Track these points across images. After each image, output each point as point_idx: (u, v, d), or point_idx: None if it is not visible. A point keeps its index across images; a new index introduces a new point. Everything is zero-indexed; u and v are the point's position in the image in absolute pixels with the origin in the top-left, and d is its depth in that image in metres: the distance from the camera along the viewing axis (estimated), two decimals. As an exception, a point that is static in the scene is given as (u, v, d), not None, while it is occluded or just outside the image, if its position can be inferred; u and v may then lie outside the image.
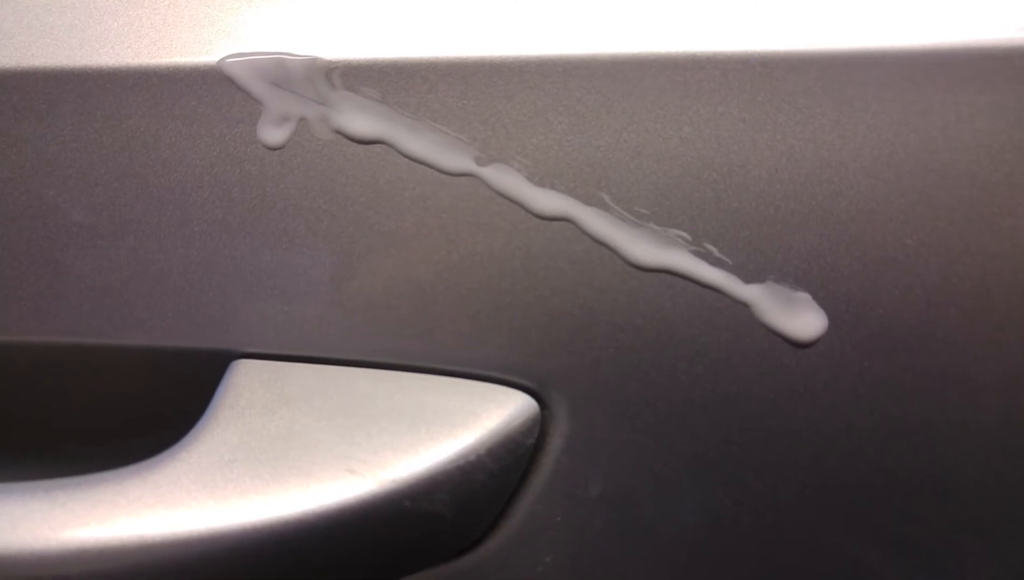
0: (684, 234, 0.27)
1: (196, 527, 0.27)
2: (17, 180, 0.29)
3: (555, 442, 0.29)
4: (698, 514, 0.30)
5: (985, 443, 0.29)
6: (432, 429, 0.28)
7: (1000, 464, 0.29)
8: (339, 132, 0.28)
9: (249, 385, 0.29)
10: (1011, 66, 0.26)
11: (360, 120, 0.27)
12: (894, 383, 0.28)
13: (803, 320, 0.27)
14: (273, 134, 0.28)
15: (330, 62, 0.27)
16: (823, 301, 0.27)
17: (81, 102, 0.28)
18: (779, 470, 0.29)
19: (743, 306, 0.28)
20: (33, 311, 0.30)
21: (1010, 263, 0.27)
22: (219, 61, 0.28)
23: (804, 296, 0.27)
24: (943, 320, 0.27)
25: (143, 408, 0.32)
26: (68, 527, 0.27)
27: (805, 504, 0.29)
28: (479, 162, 0.27)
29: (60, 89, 0.28)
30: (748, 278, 0.27)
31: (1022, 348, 0.28)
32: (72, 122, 0.28)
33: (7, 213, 0.29)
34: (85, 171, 0.28)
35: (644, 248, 0.27)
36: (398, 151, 0.27)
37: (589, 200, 0.27)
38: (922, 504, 0.29)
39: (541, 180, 0.27)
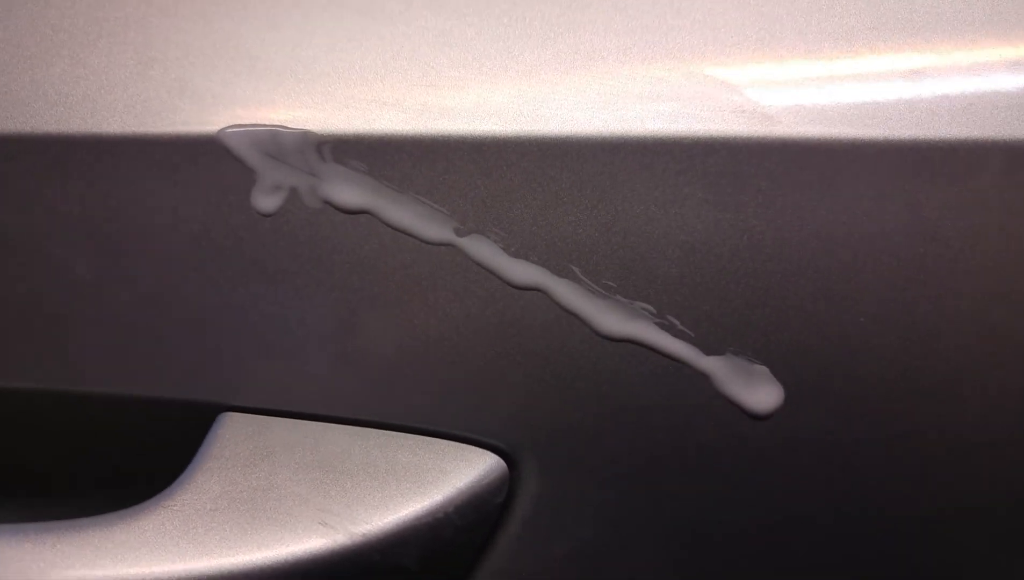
0: (649, 307, 0.29)
1: (177, 571, 0.28)
2: (27, 237, 0.30)
3: (523, 501, 0.30)
4: (662, 574, 0.31)
5: (942, 512, 0.30)
6: (403, 486, 0.29)
7: (957, 528, 0.30)
8: (327, 202, 0.29)
9: (234, 438, 0.30)
10: (959, 159, 0.27)
11: (347, 191, 0.29)
12: (848, 454, 0.29)
13: (760, 392, 0.29)
14: (265, 202, 0.29)
15: (321, 135, 0.29)
16: (780, 374, 0.29)
17: (89, 167, 0.30)
18: (741, 532, 0.30)
19: (704, 376, 0.29)
20: (35, 359, 0.31)
21: (958, 340, 0.28)
22: (217, 132, 0.29)
23: (762, 369, 0.29)
24: (896, 395, 0.29)
25: (135, 454, 0.33)
26: (56, 567, 0.28)
27: (766, 566, 0.30)
28: (458, 233, 0.29)
29: (71, 154, 0.30)
30: (709, 350, 0.29)
31: (972, 420, 0.29)
32: (80, 185, 0.30)
33: (16, 267, 0.31)
34: (90, 230, 0.30)
35: (611, 319, 0.29)
36: (382, 221, 0.29)
37: (560, 272, 0.29)
38: (879, 570, 0.30)
39: (516, 251, 0.29)
